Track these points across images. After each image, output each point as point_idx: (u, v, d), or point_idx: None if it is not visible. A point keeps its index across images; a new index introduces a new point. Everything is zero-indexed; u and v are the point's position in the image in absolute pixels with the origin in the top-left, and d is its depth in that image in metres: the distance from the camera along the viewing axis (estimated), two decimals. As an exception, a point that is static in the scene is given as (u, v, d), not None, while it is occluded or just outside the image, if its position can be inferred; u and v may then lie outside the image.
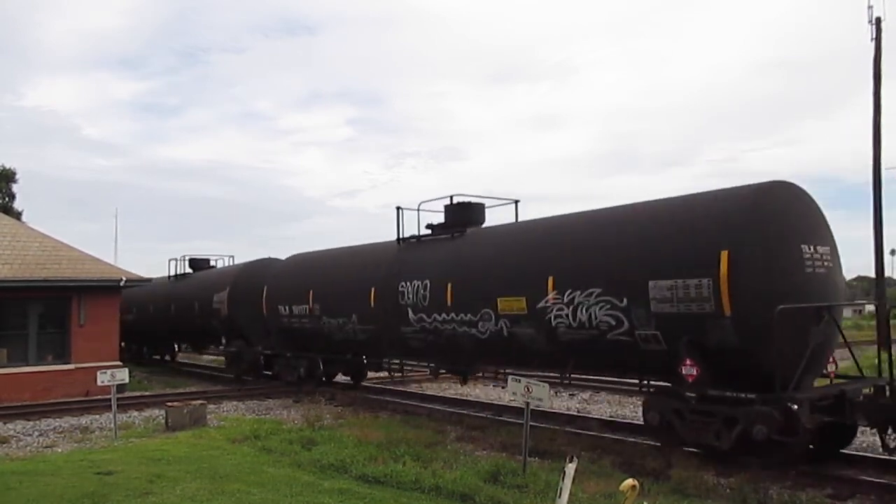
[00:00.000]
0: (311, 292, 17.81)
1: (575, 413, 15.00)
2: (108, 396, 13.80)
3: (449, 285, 13.46)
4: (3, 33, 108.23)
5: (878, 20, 21.60)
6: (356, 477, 9.34)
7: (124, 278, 20.16)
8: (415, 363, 16.07)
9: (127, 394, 18.24)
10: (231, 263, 26.66)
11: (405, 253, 15.37)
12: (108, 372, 13.16)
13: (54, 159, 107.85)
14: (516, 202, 15.10)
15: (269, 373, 21.38)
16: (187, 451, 11.22)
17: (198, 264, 27.86)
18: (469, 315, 12.99)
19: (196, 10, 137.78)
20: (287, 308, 18.85)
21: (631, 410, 15.84)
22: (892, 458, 9.66)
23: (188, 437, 12.52)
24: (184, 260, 27.86)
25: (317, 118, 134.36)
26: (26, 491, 8.68)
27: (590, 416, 14.52)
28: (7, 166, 44.61)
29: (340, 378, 20.44)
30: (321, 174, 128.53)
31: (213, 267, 27.81)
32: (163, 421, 14.13)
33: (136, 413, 16.00)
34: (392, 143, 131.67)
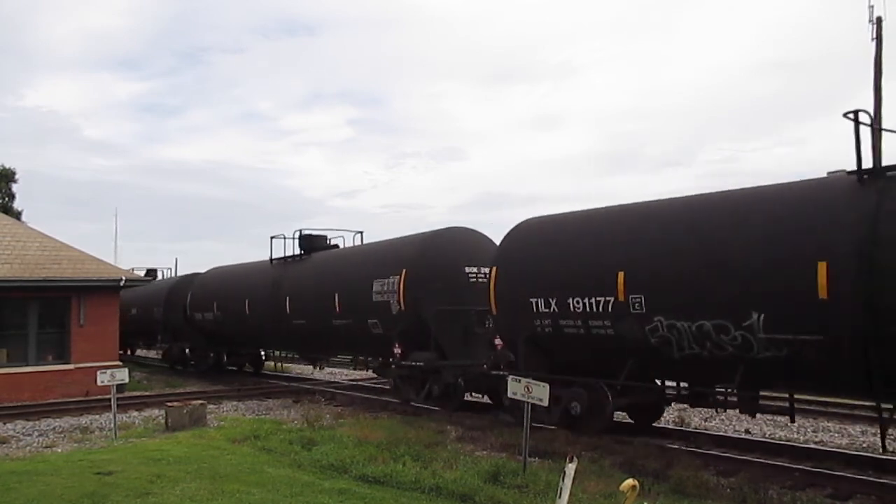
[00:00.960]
0: (621, 275, 11.19)
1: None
2: (107, 396, 13.81)
3: None
4: (4, 34, 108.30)
5: (879, 20, 21.66)
6: (356, 477, 9.32)
7: (124, 278, 20.23)
8: None
9: (127, 394, 18.27)
10: (360, 242, 19.87)
11: None
12: (108, 372, 13.18)
13: (54, 159, 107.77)
14: None
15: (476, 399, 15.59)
16: (187, 451, 11.21)
17: (314, 242, 20.42)
18: None
19: (196, 11, 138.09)
20: (551, 303, 12.26)
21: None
22: (892, 457, 9.66)
23: (188, 437, 12.52)
24: (294, 238, 20.42)
25: (317, 118, 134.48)
26: (26, 491, 8.68)
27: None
28: (7, 166, 44.50)
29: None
30: (321, 174, 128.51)
31: (335, 246, 20.61)
32: (162, 421, 14.12)
33: (135, 413, 16.01)
34: (392, 143, 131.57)
